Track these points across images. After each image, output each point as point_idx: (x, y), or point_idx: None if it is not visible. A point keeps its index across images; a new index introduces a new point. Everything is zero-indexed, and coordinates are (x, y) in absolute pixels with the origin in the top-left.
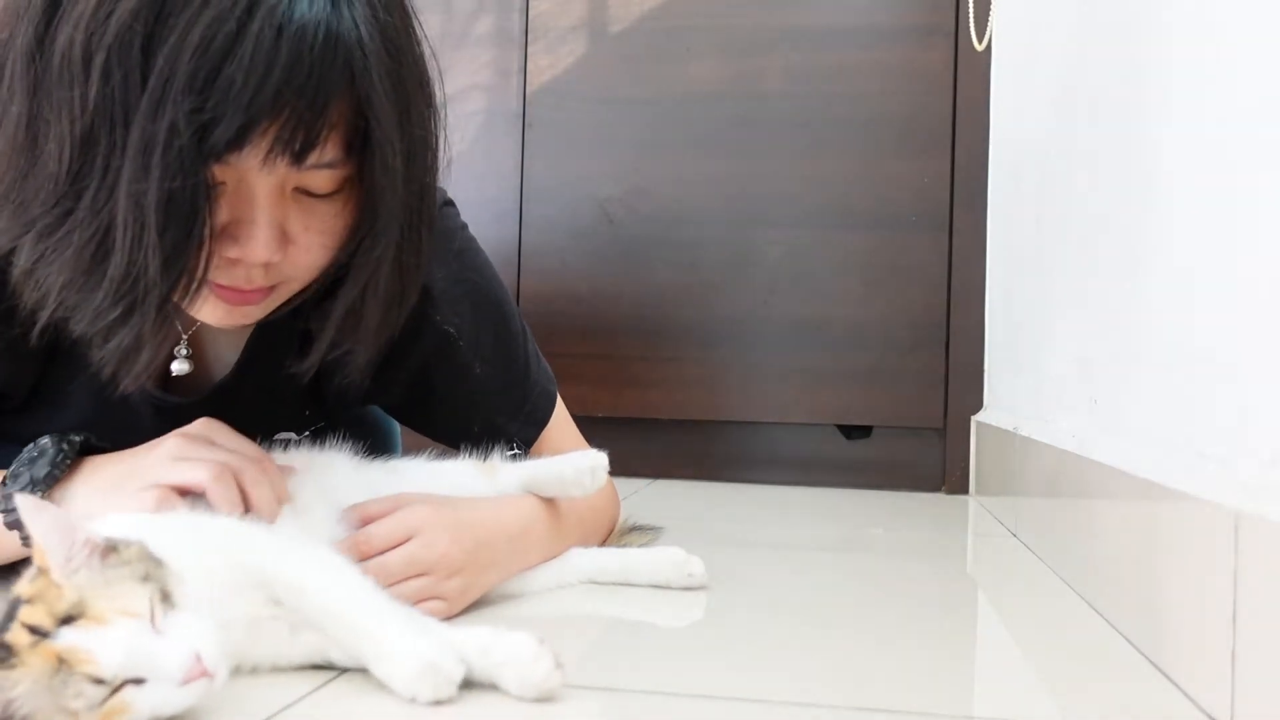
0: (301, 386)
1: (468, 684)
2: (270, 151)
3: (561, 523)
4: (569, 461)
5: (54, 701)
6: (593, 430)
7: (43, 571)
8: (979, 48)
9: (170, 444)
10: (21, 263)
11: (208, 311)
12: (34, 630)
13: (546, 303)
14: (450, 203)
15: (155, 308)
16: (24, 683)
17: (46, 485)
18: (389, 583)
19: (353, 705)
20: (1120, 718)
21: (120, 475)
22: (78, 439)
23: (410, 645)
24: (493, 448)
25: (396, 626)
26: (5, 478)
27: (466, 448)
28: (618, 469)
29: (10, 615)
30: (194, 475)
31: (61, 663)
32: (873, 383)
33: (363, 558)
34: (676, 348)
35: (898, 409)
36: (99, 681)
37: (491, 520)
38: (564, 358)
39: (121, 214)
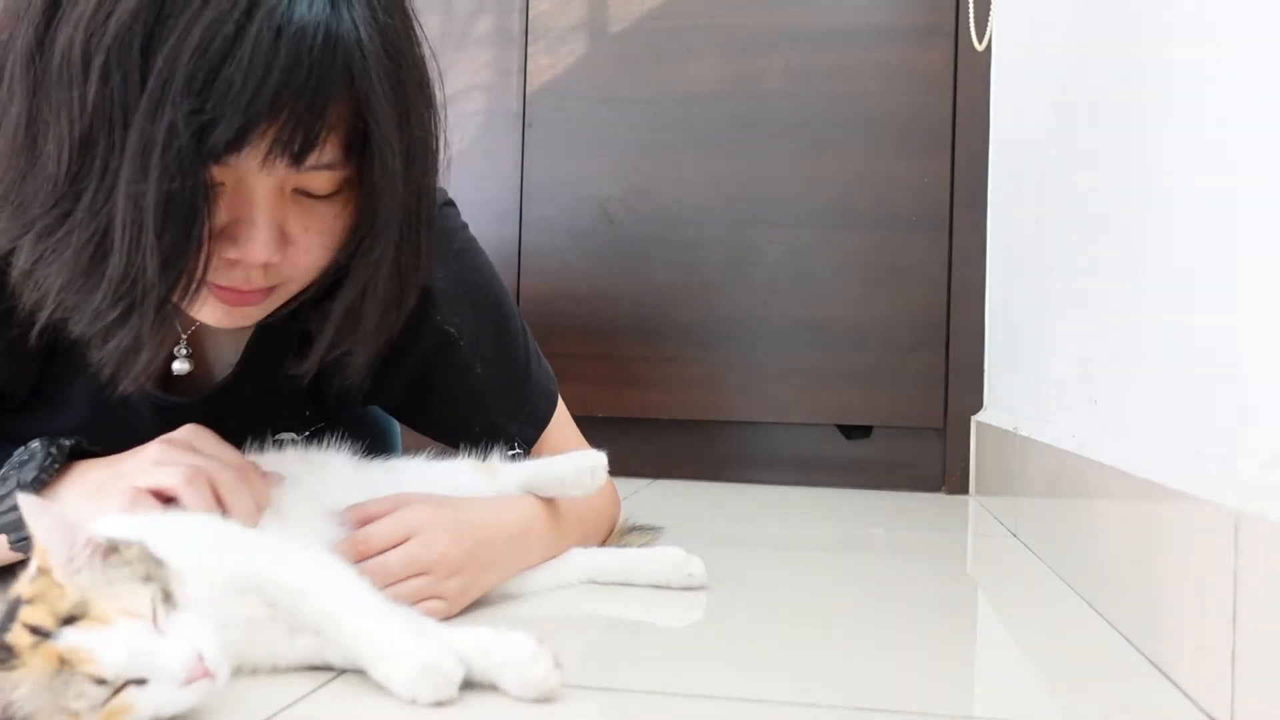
0: (301, 387)
1: (467, 684)
2: (269, 153)
3: (561, 523)
4: (569, 461)
5: (55, 702)
6: (593, 430)
7: (44, 571)
8: (979, 48)
9: (152, 449)
10: (21, 263)
11: (207, 312)
12: (35, 630)
13: (546, 303)
14: (450, 203)
15: (154, 309)
16: (25, 684)
17: (34, 489)
18: (388, 582)
19: (352, 705)
20: (1120, 718)
21: (103, 480)
22: (68, 443)
23: (409, 646)
24: (493, 448)
25: (395, 628)
26: None
27: (467, 448)
28: (618, 469)
29: (10, 616)
30: (166, 479)
31: (63, 663)
32: (873, 383)
33: (362, 558)
34: (676, 348)
35: (898, 409)
36: (101, 682)
37: (491, 520)
38: (564, 358)
39: (120, 215)
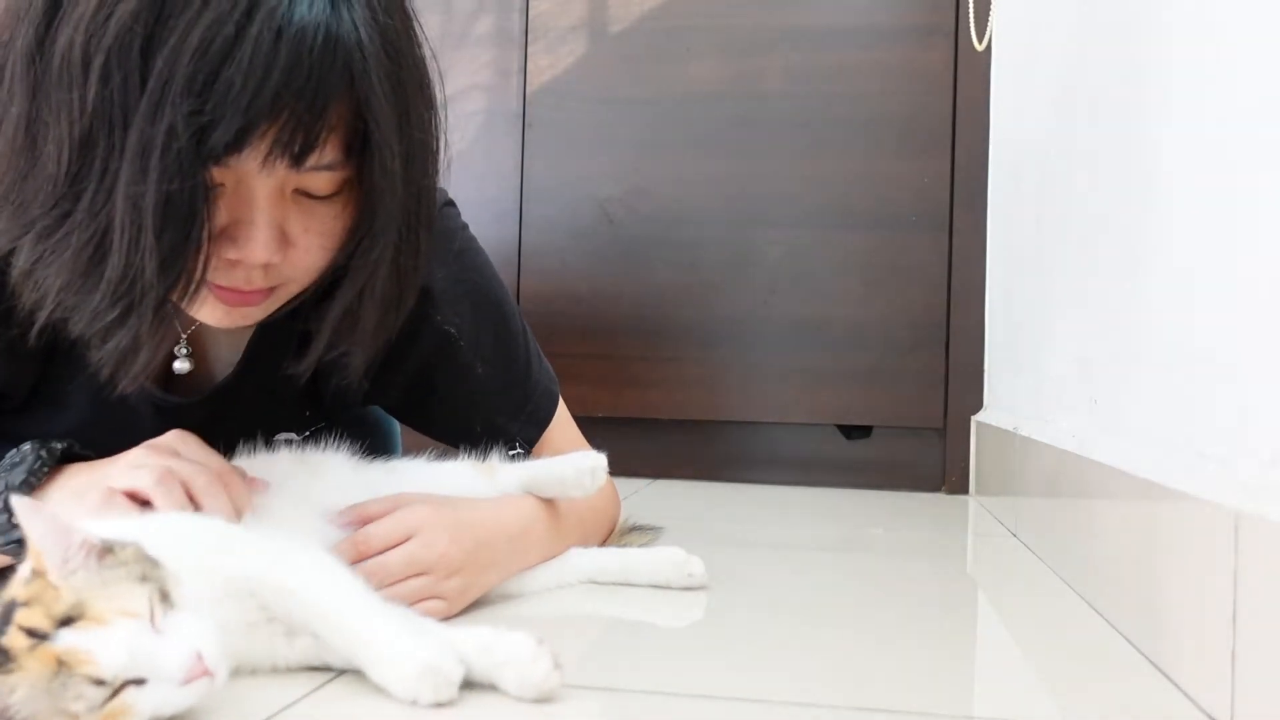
0: (302, 387)
1: (467, 684)
2: (269, 154)
3: (561, 523)
4: (569, 462)
5: (54, 705)
6: (593, 430)
7: (39, 574)
8: (979, 48)
9: (135, 453)
10: (20, 264)
11: (207, 312)
12: (32, 633)
13: (546, 303)
14: (451, 203)
15: (152, 309)
16: (22, 687)
17: (23, 492)
18: (388, 582)
19: (351, 706)
20: (1120, 718)
21: (88, 484)
22: (59, 446)
23: (409, 647)
24: (494, 448)
25: (393, 628)
26: None
27: (467, 448)
28: (618, 469)
29: (6, 619)
30: (137, 481)
31: (61, 665)
32: (873, 383)
33: (362, 557)
34: (676, 348)
35: (898, 409)
36: (99, 683)
37: (491, 520)
38: (564, 358)
39: (119, 216)
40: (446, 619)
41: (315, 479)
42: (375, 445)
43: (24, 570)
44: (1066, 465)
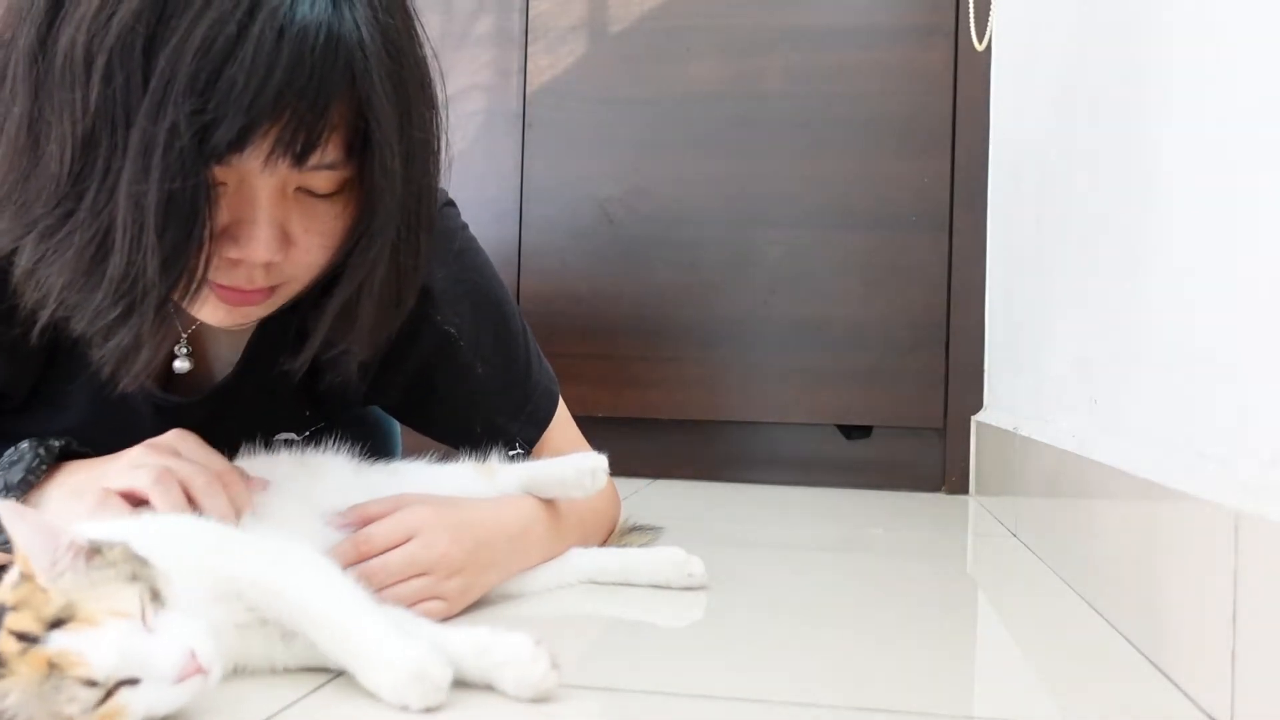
0: (302, 387)
1: (466, 685)
2: (271, 153)
3: (561, 523)
4: (569, 463)
5: (47, 708)
6: (593, 430)
7: (27, 577)
8: (979, 48)
9: (133, 452)
10: (23, 263)
11: (208, 312)
12: (22, 637)
13: (546, 303)
14: (451, 203)
15: (154, 308)
16: (14, 692)
17: (21, 490)
18: (389, 583)
19: (350, 708)
20: (1120, 718)
21: (85, 482)
22: (56, 444)
23: (397, 651)
24: (494, 448)
25: (382, 633)
26: None
27: (467, 448)
28: (618, 469)
29: None
30: (135, 481)
31: (52, 668)
32: (873, 383)
33: (363, 558)
34: (676, 348)
35: (898, 409)
36: (92, 684)
37: (491, 520)
38: (564, 358)
39: (121, 215)
40: (447, 619)
41: (316, 480)
42: (375, 446)
43: (12, 574)
44: (1066, 465)
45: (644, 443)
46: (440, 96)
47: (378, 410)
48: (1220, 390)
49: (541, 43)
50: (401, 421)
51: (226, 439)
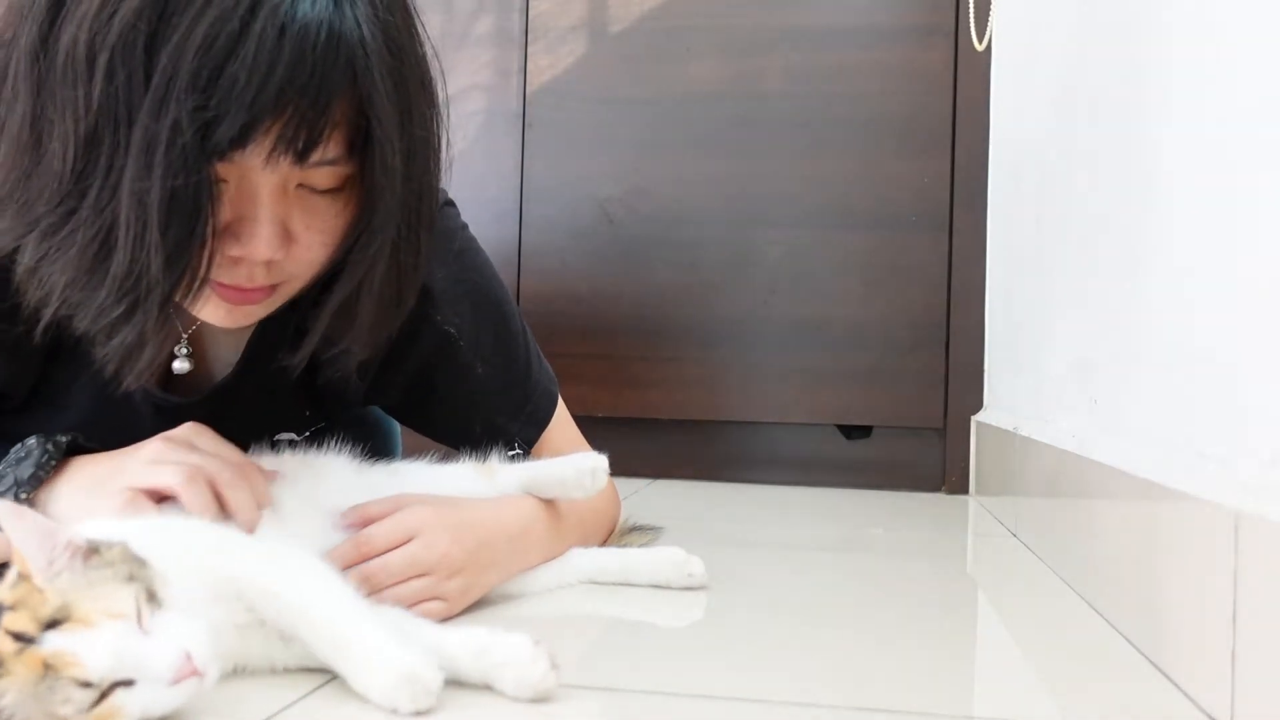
0: (302, 387)
1: (465, 686)
2: (273, 150)
3: (562, 523)
4: (569, 463)
5: (42, 708)
6: (593, 430)
7: (24, 577)
8: (979, 48)
9: (151, 447)
10: (25, 261)
11: (210, 311)
12: (18, 637)
13: (546, 303)
14: (451, 203)
15: (158, 306)
16: (10, 692)
17: (31, 486)
18: (390, 583)
19: (350, 708)
20: (1120, 718)
21: (100, 476)
22: (64, 440)
23: (388, 655)
24: (493, 448)
25: (375, 636)
26: None
27: (467, 448)
28: (618, 469)
29: None
30: (165, 479)
31: (48, 668)
32: (873, 383)
33: (363, 558)
34: (676, 348)
35: (898, 409)
36: (87, 685)
37: (492, 520)
38: (564, 358)
39: (124, 212)
40: (447, 619)
41: (317, 481)
42: (376, 446)
43: (11, 573)
44: (1066, 465)
45: (644, 443)
46: (440, 96)
47: (378, 410)
48: (1220, 390)
49: (541, 43)
50: (401, 422)
51: (227, 439)
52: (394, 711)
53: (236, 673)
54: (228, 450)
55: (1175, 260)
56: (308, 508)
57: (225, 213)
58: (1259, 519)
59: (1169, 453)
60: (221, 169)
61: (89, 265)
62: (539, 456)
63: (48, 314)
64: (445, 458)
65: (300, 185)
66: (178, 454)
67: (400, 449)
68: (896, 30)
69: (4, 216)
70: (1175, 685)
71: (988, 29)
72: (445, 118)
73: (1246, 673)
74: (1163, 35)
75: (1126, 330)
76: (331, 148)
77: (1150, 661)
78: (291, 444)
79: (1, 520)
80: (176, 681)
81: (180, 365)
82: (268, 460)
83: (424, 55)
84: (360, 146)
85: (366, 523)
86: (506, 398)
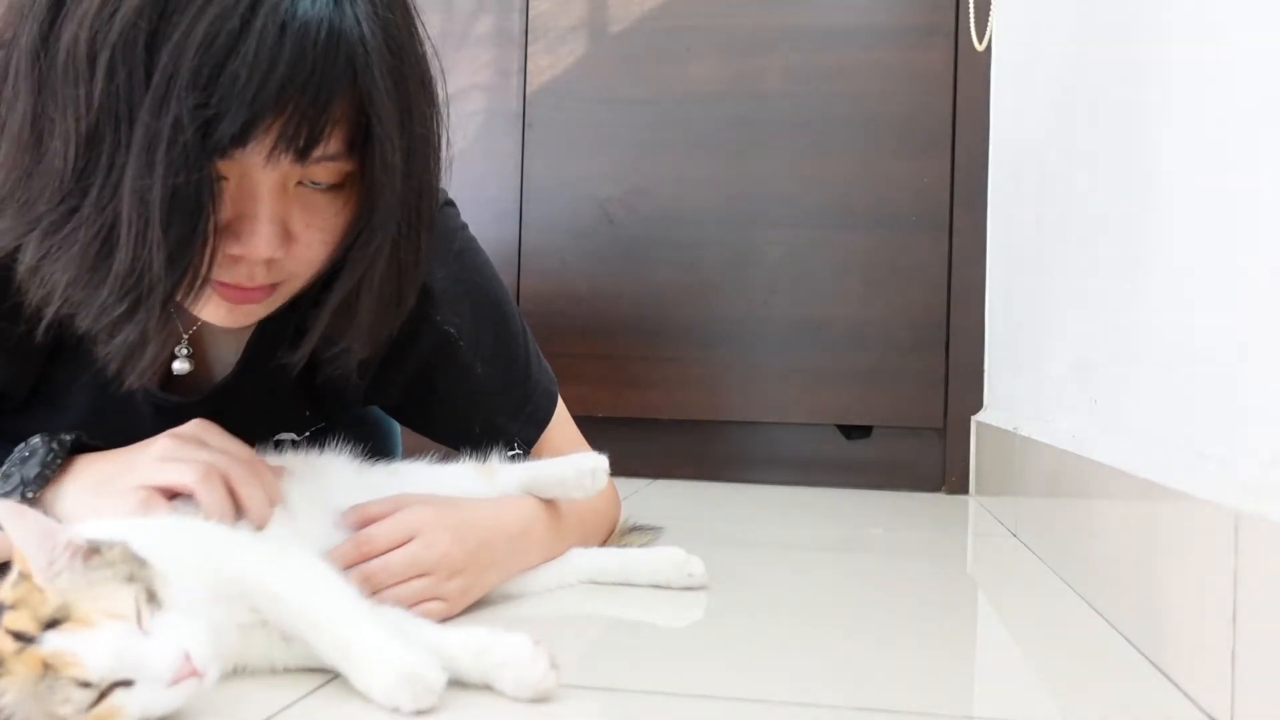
0: (301, 387)
1: (464, 686)
2: (275, 148)
3: (562, 523)
4: (569, 463)
5: (42, 708)
6: (593, 430)
7: (24, 576)
8: (979, 48)
9: (160, 444)
10: (27, 260)
11: (210, 311)
12: (18, 636)
13: (546, 303)
14: (451, 203)
15: (160, 304)
16: (10, 691)
17: (38, 485)
18: (390, 583)
19: (350, 708)
20: (1120, 718)
21: (109, 474)
22: (68, 438)
23: (391, 654)
24: (493, 448)
25: (377, 635)
26: None
27: (467, 448)
28: (618, 469)
29: None
30: (181, 477)
31: (47, 668)
32: (873, 383)
33: (364, 558)
34: (676, 348)
35: (898, 409)
36: (86, 685)
37: (492, 520)
38: (564, 358)
39: (126, 210)
40: (447, 620)
41: (318, 480)
42: (376, 446)
43: (12, 573)
44: (1066, 465)
45: (644, 443)
46: (440, 96)
47: (378, 411)
48: (1220, 390)
49: (541, 43)
50: (401, 422)
51: None
52: (395, 710)
53: (236, 673)
54: (237, 447)
55: (1175, 260)
56: (312, 506)
57: (225, 211)
58: (1259, 519)
59: (1169, 453)
60: (222, 166)
61: (91, 264)
62: (539, 456)
63: (50, 313)
64: (445, 458)
65: (300, 183)
66: (189, 451)
67: (400, 449)
68: (896, 30)
69: (5, 215)
70: (1175, 685)
71: (988, 29)
72: (445, 117)
73: (1246, 673)
74: (1163, 35)
75: (1126, 330)
76: (332, 145)
77: (1150, 661)
78: (292, 444)
79: (2, 519)
80: (176, 682)
81: (180, 366)
82: (272, 458)
83: (424, 54)
84: (360, 144)
85: (367, 522)
86: (506, 398)
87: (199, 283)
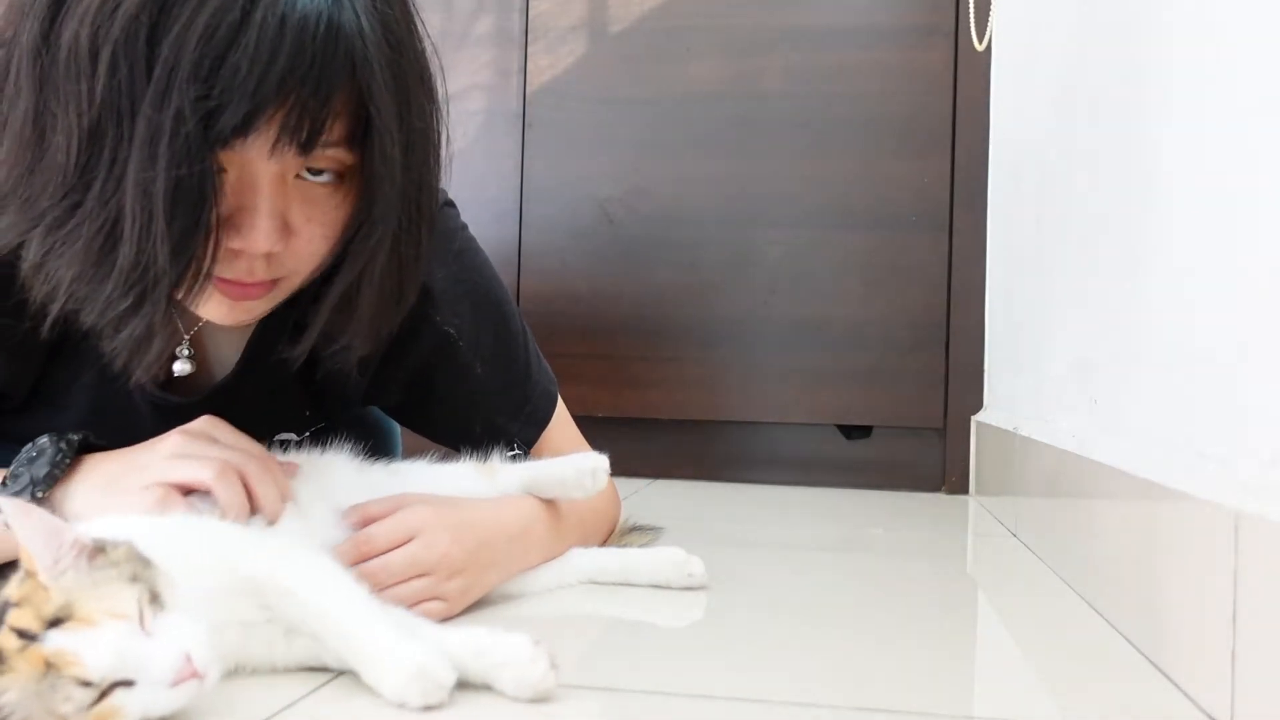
0: (302, 387)
1: (464, 685)
2: (278, 140)
3: (562, 523)
4: (570, 463)
5: (43, 706)
6: (593, 430)
7: (30, 574)
8: (979, 48)
9: (172, 441)
10: (31, 257)
11: (210, 308)
12: (22, 634)
13: (546, 303)
14: (451, 203)
15: (165, 296)
16: (13, 688)
17: (47, 485)
18: (390, 583)
19: (350, 707)
20: (1120, 718)
21: (119, 472)
22: (76, 438)
23: (401, 650)
24: (493, 448)
25: (386, 631)
26: (5, 478)
27: (467, 449)
28: (618, 469)
29: None
30: (198, 473)
31: (49, 666)
32: (873, 383)
33: (364, 558)
34: (676, 348)
35: (898, 409)
36: (86, 684)
37: (492, 520)
38: (564, 358)
39: (130, 203)
40: (447, 619)
41: (319, 479)
42: (376, 447)
43: (20, 570)
44: (1066, 465)
45: (644, 443)
46: (440, 94)
47: (378, 411)
48: (1220, 390)
49: (541, 43)
50: (401, 422)
51: None
52: (403, 706)
53: (236, 672)
54: (248, 443)
55: (1175, 260)
56: (318, 503)
57: (225, 204)
58: (1259, 519)
59: (1169, 453)
60: (223, 158)
61: (95, 258)
62: (539, 457)
63: (55, 309)
64: (445, 458)
65: (299, 176)
66: (201, 448)
67: (400, 449)
68: (896, 30)
69: (7, 213)
70: (1175, 685)
71: (988, 29)
72: (445, 114)
73: (1246, 673)
74: (1163, 35)
75: (1126, 330)
76: (334, 136)
77: (1150, 661)
78: (294, 444)
79: (9, 517)
80: (176, 684)
81: (182, 367)
82: (281, 455)
83: (423, 50)
84: (360, 138)
85: (367, 522)
86: (506, 398)
87: (202, 275)
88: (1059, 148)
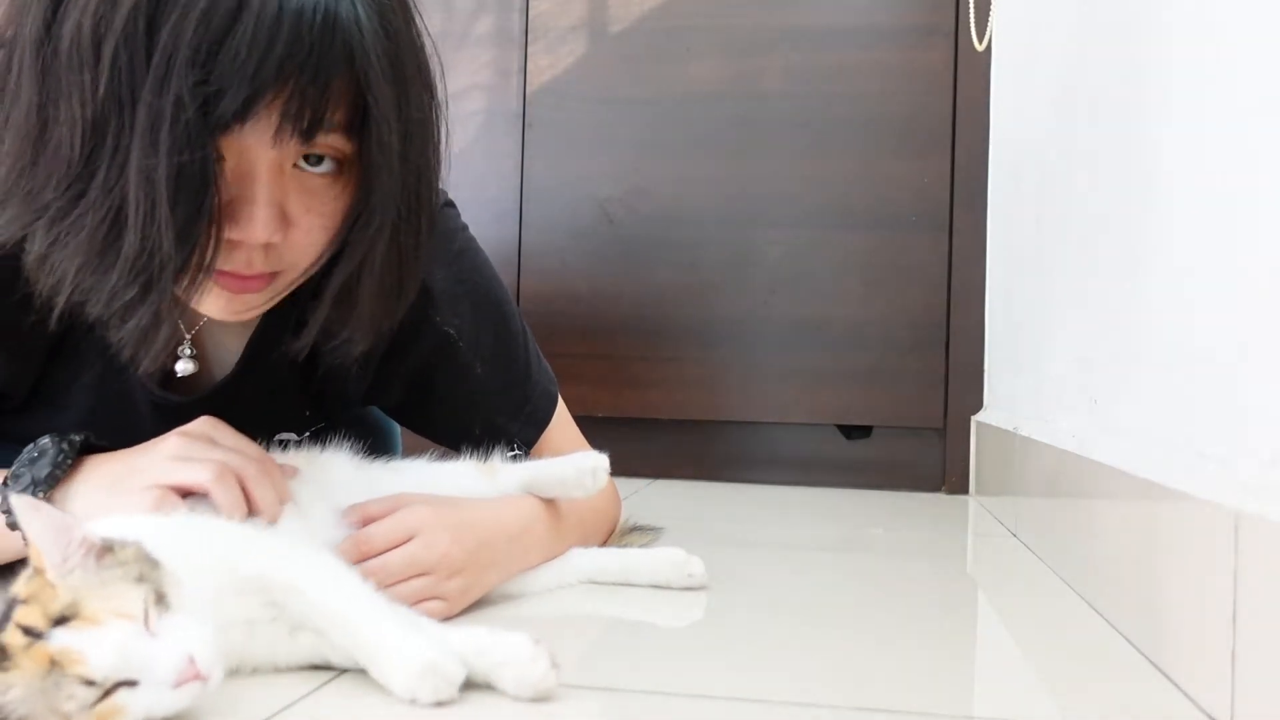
0: (302, 386)
1: (466, 684)
2: (280, 128)
3: (562, 523)
4: (570, 463)
5: (47, 703)
6: (593, 430)
7: (38, 572)
8: (979, 48)
9: (171, 443)
10: (35, 249)
11: (210, 303)
12: (28, 631)
13: (546, 303)
14: (451, 204)
15: (171, 283)
16: (18, 685)
17: (48, 485)
18: (389, 583)
19: (352, 706)
20: (1120, 718)
21: (120, 474)
22: (78, 438)
23: (411, 646)
24: (493, 448)
25: (396, 628)
26: (6, 478)
27: (467, 449)
28: (618, 469)
29: (6, 616)
30: (195, 476)
31: (54, 664)
32: (873, 383)
33: (363, 557)
34: (676, 348)
35: (898, 409)
36: (90, 683)
37: (492, 520)
38: (564, 358)
39: (133, 191)
40: (447, 619)
41: (319, 478)
42: (376, 446)
43: (28, 568)
44: (1066, 465)
45: (644, 443)
46: (440, 89)
47: (378, 411)
48: (1220, 390)
49: (541, 43)
50: (401, 422)
51: None
52: (414, 702)
53: (237, 671)
54: (247, 445)
55: (1175, 260)
56: (317, 503)
57: (224, 192)
58: (1259, 519)
59: (1169, 453)
60: (222, 146)
61: (100, 247)
62: (539, 457)
63: (60, 301)
64: (445, 457)
65: (296, 166)
66: (201, 450)
67: (400, 449)
68: (896, 30)
69: (10, 205)
70: (1175, 685)
71: (988, 29)
72: (444, 109)
73: (1246, 673)
74: (1163, 35)
75: (1126, 330)
76: (334, 122)
77: (1150, 661)
78: (294, 444)
79: (19, 514)
80: (179, 685)
81: (184, 366)
82: (281, 456)
83: (421, 43)
84: (358, 127)
85: (366, 522)
86: (506, 398)
87: (204, 266)
88: (1059, 148)
